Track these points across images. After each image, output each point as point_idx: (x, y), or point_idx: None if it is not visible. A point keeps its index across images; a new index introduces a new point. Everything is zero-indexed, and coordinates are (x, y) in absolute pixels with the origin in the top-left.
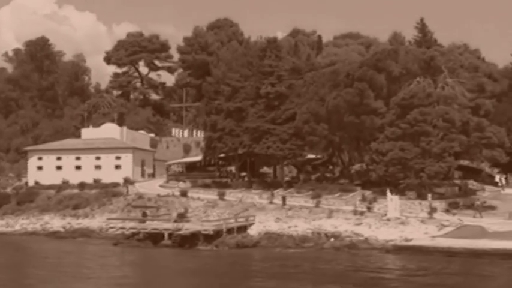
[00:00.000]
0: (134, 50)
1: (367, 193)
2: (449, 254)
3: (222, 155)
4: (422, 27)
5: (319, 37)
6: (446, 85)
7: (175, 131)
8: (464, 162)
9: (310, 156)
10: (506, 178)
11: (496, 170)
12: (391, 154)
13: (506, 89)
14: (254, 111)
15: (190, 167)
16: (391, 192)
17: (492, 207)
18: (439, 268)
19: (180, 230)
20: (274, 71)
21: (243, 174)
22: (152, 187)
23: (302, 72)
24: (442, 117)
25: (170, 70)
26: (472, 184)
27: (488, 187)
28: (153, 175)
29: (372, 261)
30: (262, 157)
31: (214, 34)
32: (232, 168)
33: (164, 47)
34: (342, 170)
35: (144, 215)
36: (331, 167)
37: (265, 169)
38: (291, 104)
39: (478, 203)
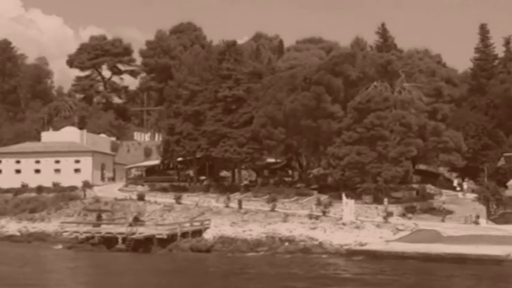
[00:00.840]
0: (97, 53)
1: (323, 197)
2: (403, 258)
3: (180, 159)
4: (383, 32)
5: (281, 41)
6: (403, 89)
7: (137, 135)
8: (424, 167)
9: (270, 160)
10: (460, 184)
11: (454, 174)
12: (347, 158)
13: (465, 93)
14: (212, 115)
15: (150, 171)
16: (347, 196)
17: (449, 212)
18: (386, 271)
19: (133, 234)
20: (232, 74)
21: (203, 178)
22: (111, 191)
23: (262, 76)
24: (399, 122)
25: (133, 74)
26: (430, 188)
27: (446, 191)
28: (113, 179)
29: (320, 265)
30: (221, 161)
31: (177, 38)
32: (191, 172)
33: (127, 50)
34: (300, 174)
35: (99, 218)
36: (290, 171)
37: (225, 173)
38: (249, 108)
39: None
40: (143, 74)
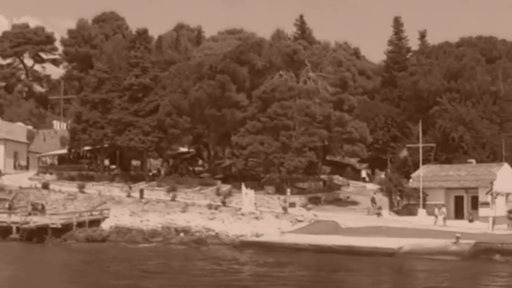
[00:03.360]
0: (19, 41)
1: (225, 187)
2: (295, 250)
3: (91, 147)
4: (301, 24)
5: (199, 32)
6: (308, 79)
7: (56, 124)
8: (338, 158)
9: (183, 149)
10: (369, 175)
11: (363, 165)
12: (250, 148)
13: (378, 86)
14: (118, 103)
15: (62, 160)
16: (247, 186)
17: (355, 203)
18: (267, 262)
19: (27, 223)
20: (139, 62)
21: (113, 167)
22: (21, 179)
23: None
24: (303, 111)
25: (55, 63)
26: (338, 179)
27: (354, 182)
28: (26, 167)
29: (206, 256)
30: (130, 150)
31: (99, 27)
32: (106, 161)
33: (49, 39)
34: (208, 164)
35: None
36: (201, 161)
37: (138, 162)
38: (155, 96)
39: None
40: (66, 63)
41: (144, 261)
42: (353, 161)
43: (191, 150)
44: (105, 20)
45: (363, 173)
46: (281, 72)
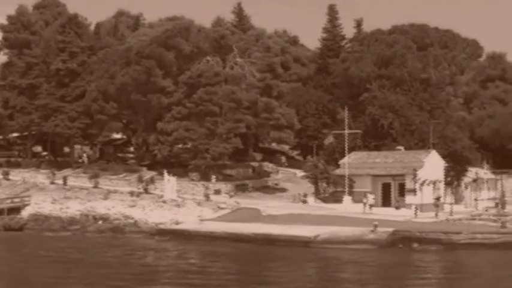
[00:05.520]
0: None
1: (149, 174)
2: (212, 238)
3: (19, 134)
4: (239, 12)
5: (137, 18)
6: (235, 64)
7: None
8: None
9: (117, 136)
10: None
11: (295, 152)
12: (175, 134)
13: (313, 73)
14: (46, 89)
15: None
16: (172, 173)
17: (283, 190)
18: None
19: None
20: (66, 47)
21: (44, 153)
22: None
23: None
24: (229, 97)
25: None
26: (267, 166)
27: (285, 169)
28: None
29: (113, 244)
30: (57, 136)
31: (39, 14)
32: (38, 148)
33: None
34: (137, 150)
35: None
36: (132, 148)
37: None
38: (82, 82)
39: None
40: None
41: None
42: (286, 148)
43: (124, 137)
44: (46, 7)
45: (283, 159)
46: (208, 57)
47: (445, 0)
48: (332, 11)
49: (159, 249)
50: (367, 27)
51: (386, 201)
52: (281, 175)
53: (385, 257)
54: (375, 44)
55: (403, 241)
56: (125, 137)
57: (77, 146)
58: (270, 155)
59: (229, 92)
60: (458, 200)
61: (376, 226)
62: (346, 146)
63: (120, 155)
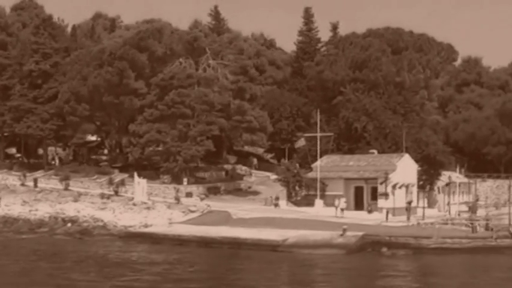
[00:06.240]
0: None
1: (121, 176)
2: (180, 241)
3: None
4: (216, 15)
5: (113, 20)
6: (208, 66)
7: None
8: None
9: (92, 138)
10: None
11: (269, 155)
12: (147, 136)
13: (288, 76)
14: (18, 90)
15: None
16: (143, 176)
17: (256, 193)
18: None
19: None
20: (39, 48)
21: (18, 155)
22: None
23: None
24: (201, 99)
25: None
26: (241, 169)
27: (260, 172)
28: None
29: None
30: (29, 138)
31: (17, 15)
32: (13, 149)
33: None
34: (110, 152)
35: None
36: (106, 150)
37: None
38: (55, 83)
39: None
40: None
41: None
42: (261, 151)
43: (98, 139)
44: (23, 8)
45: (255, 161)
46: (181, 59)
47: (420, 4)
48: (308, 14)
49: (121, 252)
50: (344, 31)
51: (359, 205)
52: (254, 178)
53: (350, 262)
54: (350, 47)
55: (372, 245)
56: (99, 139)
57: (52, 148)
58: (245, 158)
59: (202, 95)
60: (431, 204)
61: (345, 230)
62: (318, 149)
63: (94, 157)
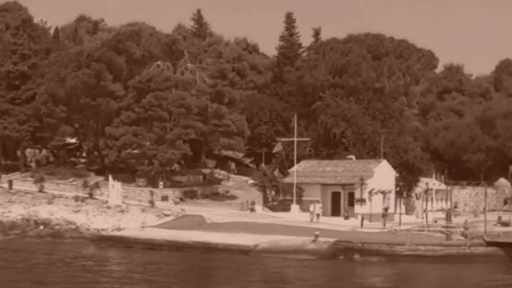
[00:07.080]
0: None
1: (96, 179)
2: (151, 245)
3: None
4: (198, 19)
5: (95, 23)
6: (186, 70)
7: None
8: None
9: (71, 140)
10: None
11: (248, 159)
12: (123, 139)
13: (269, 81)
14: None
15: None
16: (118, 179)
17: (233, 197)
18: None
19: None
20: (18, 49)
21: None
22: None
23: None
24: (178, 102)
25: None
26: (219, 173)
27: (238, 177)
28: None
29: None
30: (6, 139)
31: (1, 17)
32: None
33: None
34: (88, 155)
35: None
36: (84, 153)
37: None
38: (33, 84)
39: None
40: None
41: None
42: (240, 155)
43: (78, 141)
44: (7, 10)
45: (233, 165)
46: (159, 62)
47: (401, 10)
48: (289, 19)
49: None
50: (327, 37)
51: (335, 211)
52: (232, 182)
53: (319, 268)
54: (330, 52)
55: (344, 252)
56: (78, 141)
57: (31, 150)
58: (223, 163)
59: (179, 98)
60: (409, 210)
61: (317, 236)
62: (295, 154)
63: (72, 159)
